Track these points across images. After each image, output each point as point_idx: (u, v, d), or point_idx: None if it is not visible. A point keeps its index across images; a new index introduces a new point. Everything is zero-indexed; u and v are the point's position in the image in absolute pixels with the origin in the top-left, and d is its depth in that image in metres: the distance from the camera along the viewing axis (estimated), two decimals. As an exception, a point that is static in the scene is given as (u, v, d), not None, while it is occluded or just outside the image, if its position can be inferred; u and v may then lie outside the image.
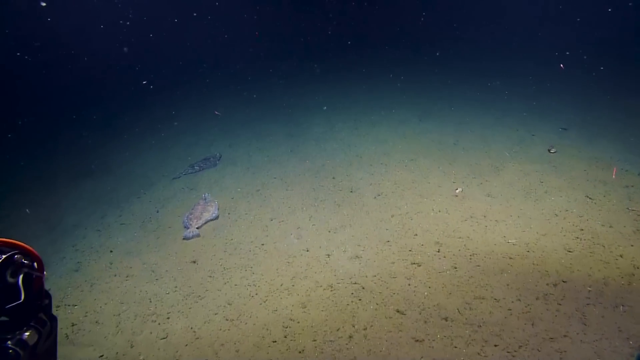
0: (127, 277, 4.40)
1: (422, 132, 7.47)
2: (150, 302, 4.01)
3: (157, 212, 5.71)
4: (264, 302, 3.87)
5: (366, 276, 4.00)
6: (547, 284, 3.53)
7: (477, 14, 17.16)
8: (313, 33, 17.94)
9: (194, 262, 4.60)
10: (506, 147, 6.46)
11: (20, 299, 1.30)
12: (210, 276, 4.31)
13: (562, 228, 4.29)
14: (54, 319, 1.48)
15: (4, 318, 1.31)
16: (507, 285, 3.58)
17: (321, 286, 3.96)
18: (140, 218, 5.63)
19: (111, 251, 4.89)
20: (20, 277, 1.32)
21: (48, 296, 1.51)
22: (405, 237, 4.52)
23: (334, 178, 6.07)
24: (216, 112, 7.85)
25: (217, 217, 5.39)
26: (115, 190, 6.61)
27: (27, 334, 1.34)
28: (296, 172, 6.42)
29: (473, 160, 6.19)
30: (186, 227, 5.20)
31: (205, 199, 5.73)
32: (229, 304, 3.90)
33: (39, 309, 1.43)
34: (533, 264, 3.80)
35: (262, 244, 4.77)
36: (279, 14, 19.18)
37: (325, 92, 10.75)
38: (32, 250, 1.40)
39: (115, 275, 4.42)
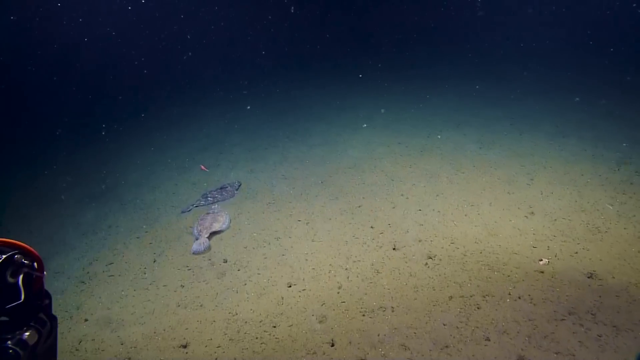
0: (95, 367, 3.39)
1: (483, 165, 5.99)
2: (114, 418, 2.95)
3: (154, 261, 4.70)
4: None
5: (415, 411, 2.71)
6: None
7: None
8: (359, 35, 16.65)
9: (184, 346, 3.51)
10: (606, 196, 4.87)
11: (20, 299, 1.27)
12: (200, 377, 3.20)
13: None
14: (54, 319, 1.44)
15: (4, 318, 1.27)
16: None
17: (348, 418, 2.72)
18: (134, 268, 4.64)
19: (86, 320, 3.91)
20: (20, 277, 1.28)
21: (48, 296, 1.47)
22: (473, 341, 3.16)
23: (372, 227, 4.79)
24: (203, 167, 6.86)
25: (228, 228, 5.11)
26: (116, 223, 5.71)
27: (27, 334, 1.28)
28: (326, 214, 5.20)
29: (559, 212, 4.67)
30: (196, 239, 4.89)
31: (214, 211, 5.39)
32: None
33: (39, 309, 1.38)
34: None
35: (274, 326, 3.59)
36: (317, 12, 18.04)
37: (368, 106, 9.42)
38: (32, 250, 1.37)
39: (80, 364, 3.42)
